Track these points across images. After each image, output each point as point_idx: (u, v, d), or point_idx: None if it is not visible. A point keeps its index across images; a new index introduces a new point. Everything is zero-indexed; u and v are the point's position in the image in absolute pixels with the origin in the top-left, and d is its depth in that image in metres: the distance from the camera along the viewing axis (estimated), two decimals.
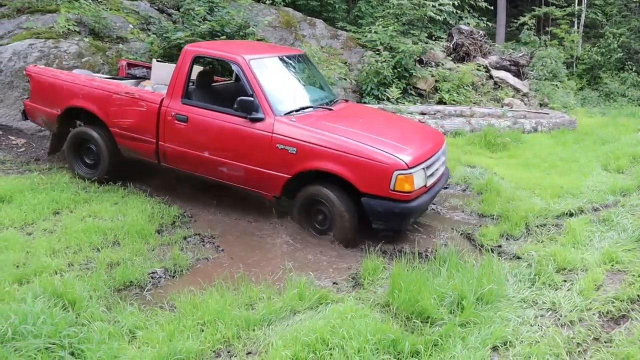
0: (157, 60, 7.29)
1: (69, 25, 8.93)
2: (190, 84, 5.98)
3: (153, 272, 4.42)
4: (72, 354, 3.22)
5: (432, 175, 5.36)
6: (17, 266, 4.26)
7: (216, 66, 8.17)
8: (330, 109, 5.94)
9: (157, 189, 6.21)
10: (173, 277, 4.47)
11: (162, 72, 6.93)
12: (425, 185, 5.20)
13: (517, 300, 4.05)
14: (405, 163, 4.94)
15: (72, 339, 3.29)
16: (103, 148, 6.22)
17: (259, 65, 5.68)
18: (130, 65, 7.78)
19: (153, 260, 4.64)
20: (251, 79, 5.50)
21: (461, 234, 5.52)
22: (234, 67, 5.82)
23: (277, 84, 5.88)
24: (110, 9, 9.99)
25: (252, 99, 5.39)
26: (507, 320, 3.73)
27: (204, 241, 5.17)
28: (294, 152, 5.20)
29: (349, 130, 5.38)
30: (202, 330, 3.57)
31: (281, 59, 6.29)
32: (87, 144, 6.38)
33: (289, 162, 5.25)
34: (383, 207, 4.97)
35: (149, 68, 7.54)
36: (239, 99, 5.37)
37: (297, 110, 5.59)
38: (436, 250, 4.89)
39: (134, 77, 7.41)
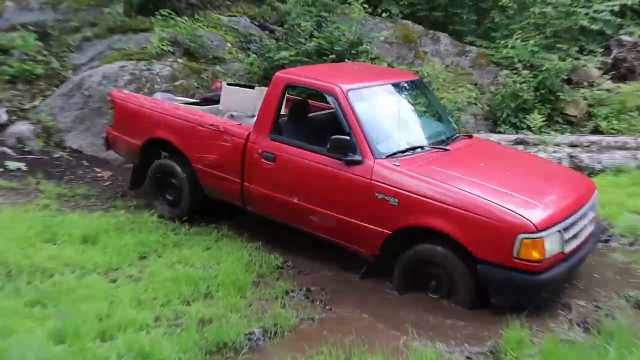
0: (228, 83, 7.37)
1: (162, 45, 9.44)
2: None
3: (250, 333, 4.42)
4: None
5: (574, 237, 4.94)
6: (100, 319, 4.40)
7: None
8: (446, 149, 5.74)
9: (254, 232, 6.27)
10: (273, 339, 4.45)
11: (233, 96, 7.02)
12: (562, 252, 4.79)
13: None
14: (534, 224, 4.58)
15: None
16: (185, 184, 6.40)
17: (359, 97, 5.59)
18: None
19: (250, 318, 4.65)
20: (349, 113, 5.40)
21: (630, 302, 5.10)
22: (329, 99, 5.70)
23: (382, 118, 5.80)
24: (207, 27, 10.47)
25: (348, 137, 5.29)
26: None
27: (308, 297, 5.14)
28: (396, 204, 5.03)
29: (464, 178, 5.15)
30: None
31: (390, 87, 6.21)
32: (170, 178, 6.58)
33: (389, 215, 5.08)
34: (504, 278, 4.65)
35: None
36: (332, 137, 5.27)
37: (403, 152, 5.45)
38: (599, 322, 4.55)
39: (212, 101, 7.48)
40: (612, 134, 10.48)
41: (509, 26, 12.70)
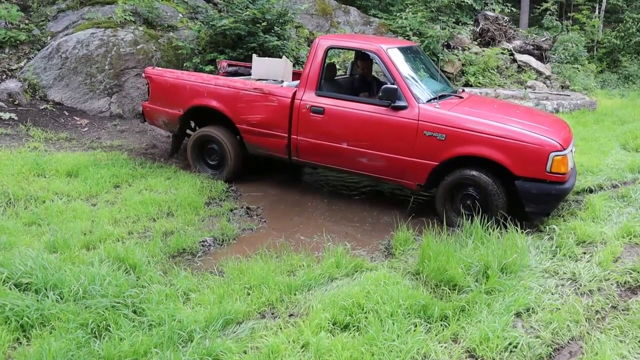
0: (257, 56, 6.89)
1: (125, 15, 9.01)
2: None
3: (203, 241, 4.49)
4: (135, 312, 3.30)
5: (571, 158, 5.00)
6: (85, 234, 4.38)
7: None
8: (461, 97, 5.49)
9: None
10: (221, 245, 4.54)
11: (264, 66, 6.60)
12: (571, 167, 4.86)
13: (539, 271, 3.98)
14: (560, 144, 4.62)
15: (134, 298, 3.37)
16: (228, 148, 5.84)
17: (394, 55, 5.27)
18: (230, 65, 7.28)
19: (203, 230, 4.71)
20: (391, 67, 5.10)
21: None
22: (373, 57, 5.39)
23: (410, 72, 5.40)
24: (162, 0, 10.02)
25: (395, 86, 4.98)
26: (530, 289, 3.68)
27: (248, 213, 5.22)
28: (443, 139, 4.81)
29: (492, 114, 5.00)
30: (249, 294, 3.61)
31: (404, 49, 5.66)
32: (210, 144, 6.01)
33: (436, 149, 4.86)
34: (538, 190, 4.62)
35: (243, 66, 7.21)
36: (383, 87, 4.98)
37: (433, 98, 5.16)
38: (462, 224, 4.83)
39: (235, 74, 6.99)
40: (478, 86, 10.81)
41: (403, 2, 12.72)
